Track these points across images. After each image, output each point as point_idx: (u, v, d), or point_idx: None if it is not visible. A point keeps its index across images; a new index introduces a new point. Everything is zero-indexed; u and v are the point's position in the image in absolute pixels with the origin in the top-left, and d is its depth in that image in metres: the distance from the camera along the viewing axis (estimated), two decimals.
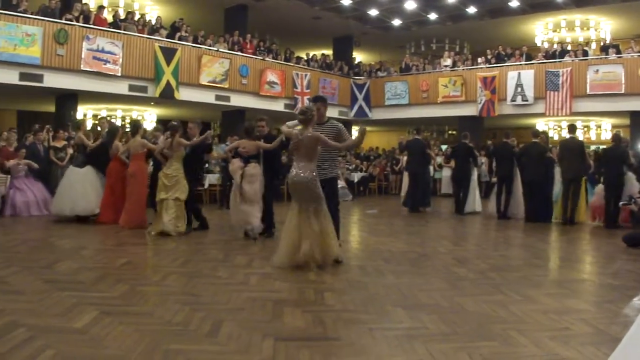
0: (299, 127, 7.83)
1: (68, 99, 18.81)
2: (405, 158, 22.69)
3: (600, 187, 13.97)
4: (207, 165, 17.59)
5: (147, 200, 11.75)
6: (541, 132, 15.78)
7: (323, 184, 7.77)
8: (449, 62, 26.10)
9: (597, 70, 21.77)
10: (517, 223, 14.13)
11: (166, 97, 19.65)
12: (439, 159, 23.28)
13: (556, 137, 24.92)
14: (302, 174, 7.54)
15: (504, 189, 15.18)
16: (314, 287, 6.49)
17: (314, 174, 7.61)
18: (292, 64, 24.97)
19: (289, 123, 8.15)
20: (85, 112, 22.95)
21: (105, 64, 18.18)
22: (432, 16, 25.75)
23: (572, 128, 14.84)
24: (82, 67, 17.66)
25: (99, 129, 13.97)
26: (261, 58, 23.23)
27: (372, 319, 5.30)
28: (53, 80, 17.31)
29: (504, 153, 15.36)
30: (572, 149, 13.99)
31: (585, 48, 23.67)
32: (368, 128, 32.20)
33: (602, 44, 24.73)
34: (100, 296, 5.92)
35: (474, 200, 16.64)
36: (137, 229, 11.08)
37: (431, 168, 20.16)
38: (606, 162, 13.75)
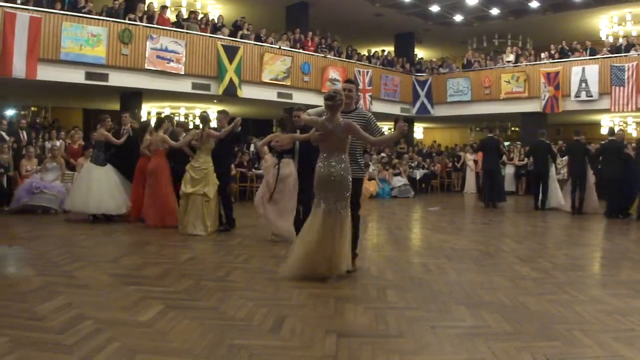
0: (325, 115, 6.84)
1: (132, 97, 19.19)
2: (468, 155, 22.65)
3: None
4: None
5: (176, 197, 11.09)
6: (619, 130, 15.74)
7: None
8: (511, 57, 25.78)
9: None
10: (587, 220, 13.92)
11: (229, 94, 19.83)
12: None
13: None
14: (337, 166, 6.63)
15: (578, 187, 15.22)
16: (376, 284, 6.49)
17: (348, 166, 6.72)
18: (353, 61, 24.95)
19: (310, 111, 7.47)
20: (149, 110, 23.37)
21: (168, 63, 18.46)
22: (494, 11, 25.49)
23: None
24: (146, 66, 17.99)
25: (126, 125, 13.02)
26: (323, 55, 23.28)
27: (434, 317, 5.28)
28: (118, 79, 17.65)
29: (576, 151, 15.38)
30: None
31: None
32: (430, 125, 32.36)
33: None
34: (165, 290, 6.04)
35: (556, 196, 16.55)
36: (165, 228, 10.78)
37: None
38: None
